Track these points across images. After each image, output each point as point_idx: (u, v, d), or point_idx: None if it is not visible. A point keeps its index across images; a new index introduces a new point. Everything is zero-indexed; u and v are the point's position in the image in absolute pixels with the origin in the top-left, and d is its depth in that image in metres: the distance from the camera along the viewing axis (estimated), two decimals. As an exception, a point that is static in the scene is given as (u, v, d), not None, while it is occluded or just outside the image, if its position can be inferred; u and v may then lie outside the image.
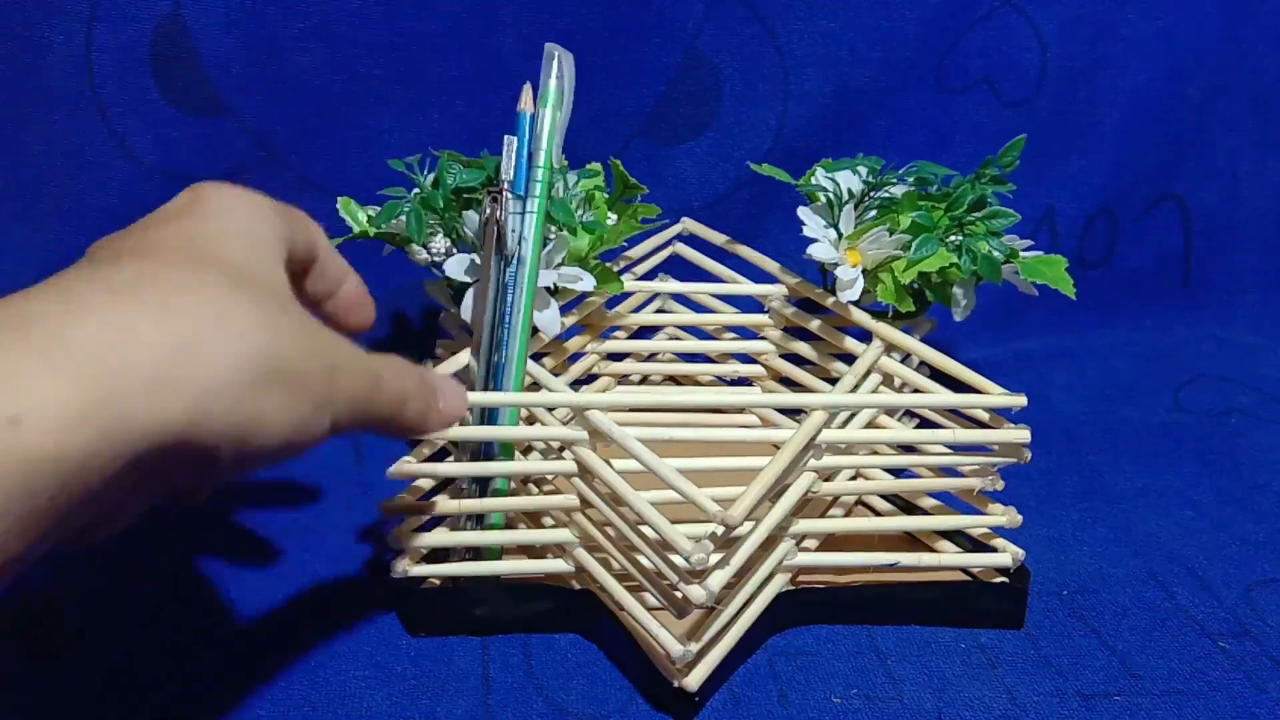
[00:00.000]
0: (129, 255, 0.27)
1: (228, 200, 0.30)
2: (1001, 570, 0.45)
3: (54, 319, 0.23)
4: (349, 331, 0.35)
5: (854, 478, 0.46)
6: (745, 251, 0.56)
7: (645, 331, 0.60)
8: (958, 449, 0.45)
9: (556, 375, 0.48)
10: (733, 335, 0.58)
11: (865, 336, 0.51)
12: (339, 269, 0.35)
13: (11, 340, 0.22)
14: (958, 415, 0.47)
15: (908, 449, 0.48)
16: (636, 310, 0.57)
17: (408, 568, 0.43)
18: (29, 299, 0.24)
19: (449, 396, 0.34)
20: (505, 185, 0.43)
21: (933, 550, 0.47)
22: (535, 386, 0.45)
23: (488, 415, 0.44)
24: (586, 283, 0.49)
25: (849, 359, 0.52)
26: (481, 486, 0.44)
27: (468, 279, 0.48)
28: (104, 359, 0.23)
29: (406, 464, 0.43)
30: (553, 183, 0.46)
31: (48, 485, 0.22)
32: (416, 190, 0.51)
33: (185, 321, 0.24)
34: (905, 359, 0.50)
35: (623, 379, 0.57)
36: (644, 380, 0.59)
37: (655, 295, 0.59)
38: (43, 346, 0.22)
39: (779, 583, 0.44)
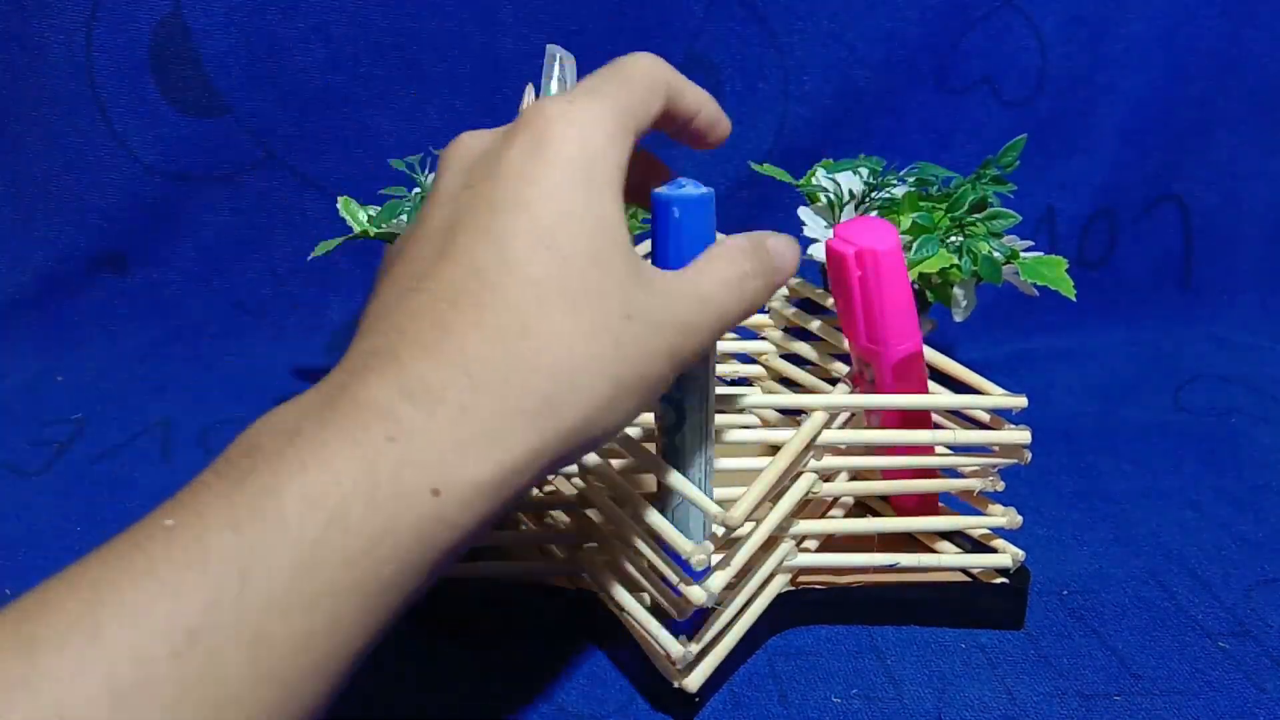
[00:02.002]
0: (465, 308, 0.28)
1: (550, 182, 0.30)
2: (1001, 571, 0.45)
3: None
4: (710, 146, 0.38)
5: (854, 478, 0.46)
6: (745, 252, 0.56)
7: (645, 331, 0.59)
8: (958, 450, 0.45)
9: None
10: (733, 335, 0.58)
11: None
12: (696, 100, 0.36)
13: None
14: (958, 416, 0.47)
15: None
16: (637, 310, 0.56)
17: (408, 568, 0.43)
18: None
19: (778, 259, 0.38)
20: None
21: (933, 551, 0.46)
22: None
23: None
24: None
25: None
26: (482, 487, 0.44)
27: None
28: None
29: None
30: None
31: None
32: (417, 189, 0.51)
33: (541, 382, 0.28)
34: (905, 359, 0.50)
35: (623, 379, 0.57)
36: (644, 380, 0.58)
37: (655, 295, 0.58)
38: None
39: (779, 583, 0.44)
